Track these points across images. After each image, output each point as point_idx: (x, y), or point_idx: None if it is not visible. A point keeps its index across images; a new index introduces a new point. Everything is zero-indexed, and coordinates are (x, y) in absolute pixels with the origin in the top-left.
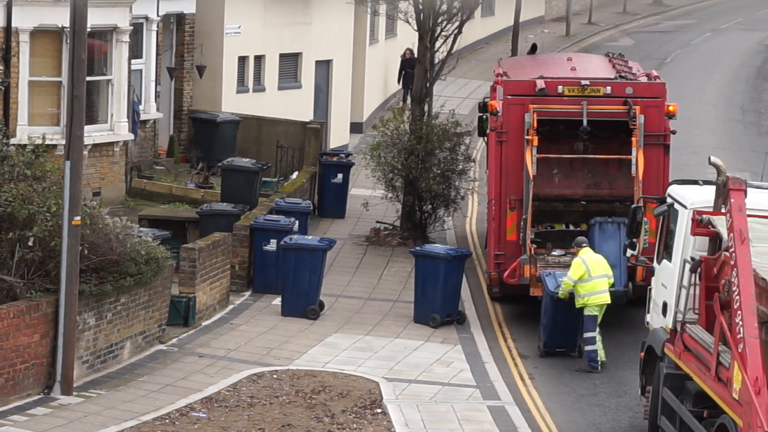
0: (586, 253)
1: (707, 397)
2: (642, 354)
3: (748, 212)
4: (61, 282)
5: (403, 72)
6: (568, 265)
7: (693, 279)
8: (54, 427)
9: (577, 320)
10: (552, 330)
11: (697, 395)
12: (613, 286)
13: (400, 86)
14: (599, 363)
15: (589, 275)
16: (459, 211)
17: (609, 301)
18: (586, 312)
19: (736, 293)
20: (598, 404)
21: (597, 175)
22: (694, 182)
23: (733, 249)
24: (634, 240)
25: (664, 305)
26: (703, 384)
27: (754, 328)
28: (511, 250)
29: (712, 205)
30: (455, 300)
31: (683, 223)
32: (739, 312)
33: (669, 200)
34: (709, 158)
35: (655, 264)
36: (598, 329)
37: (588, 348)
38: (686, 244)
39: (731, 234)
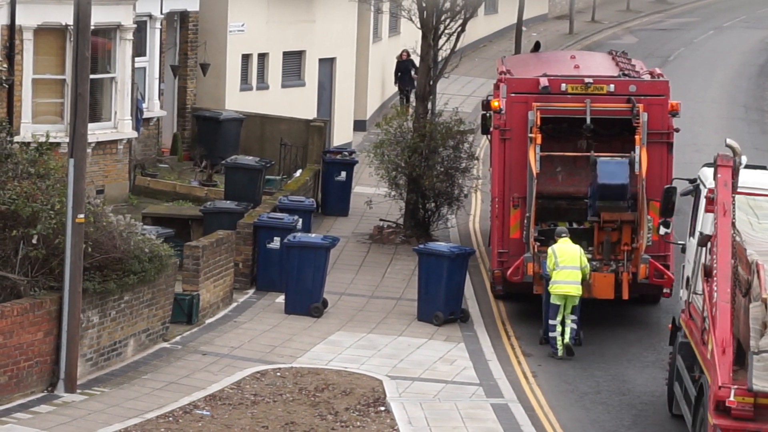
0: (559, 243)
1: None
2: (669, 326)
3: (759, 192)
4: (64, 280)
5: (399, 74)
6: None
7: (703, 253)
8: (57, 425)
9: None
10: (547, 318)
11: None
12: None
13: (397, 88)
14: (558, 350)
15: (555, 265)
16: (462, 209)
17: (573, 293)
18: (551, 300)
19: (714, 261)
20: (601, 402)
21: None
22: None
23: (716, 220)
24: (668, 219)
25: (687, 279)
26: (695, 347)
27: (726, 293)
28: (515, 248)
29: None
30: (458, 298)
31: (702, 202)
32: (715, 278)
33: (697, 181)
34: (726, 140)
35: (686, 241)
36: (561, 320)
37: (549, 334)
38: (704, 222)
39: (715, 206)
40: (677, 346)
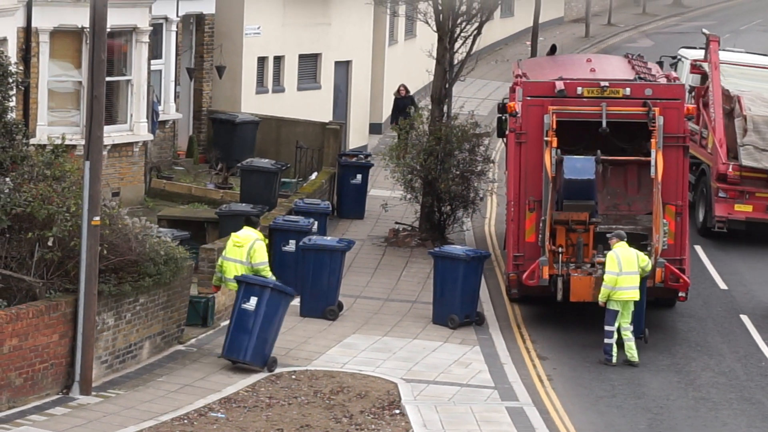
0: (619, 248)
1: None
2: None
3: (744, 64)
4: (80, 282)
5: (396, 112)
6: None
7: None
8: (73, 427)
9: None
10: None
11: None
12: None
13: (392, 127)
14: (612, 357)
15: (619, 269)
16: (478, 212)
17: (636, 298)
18: (608, 305)
19: (711, 97)
20: (616, 406)
21: (618, 175)
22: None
23: (711, 73)
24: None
25: None
26: (697, 154)
27: (720, 112)
28: (530, 252)
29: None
30: (474, 301)
31: (687, 69)
32: (712, 106)
33: (678, 57)
34: (702, 29)
35: None
36: (625, 326)
37: (605, 341)
38: (691, 80)
39: (710, 64)
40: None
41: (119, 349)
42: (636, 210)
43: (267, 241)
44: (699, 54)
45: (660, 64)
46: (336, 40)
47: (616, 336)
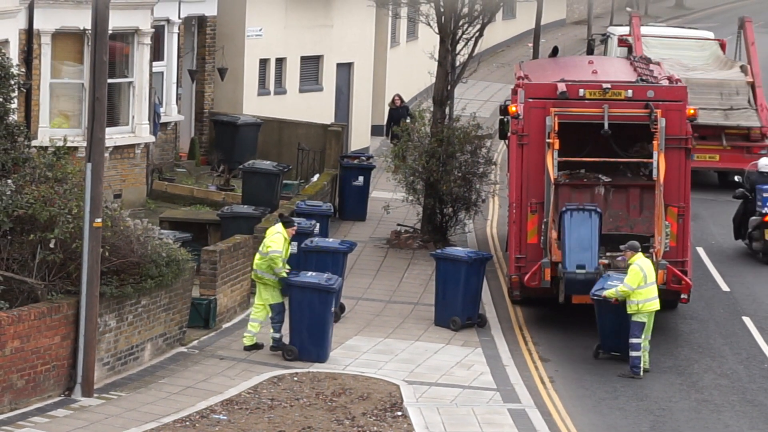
0: (640, 259)
1: None
2: None
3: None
4: (82, 284)
5: (392, 124)
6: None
7: None
8: (74, 429)
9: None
10: (603, 332)
11: None
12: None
13: (388, 140)
14: (641, 370)
15: (645, 281)
16: (480, 214)
17: (659, 308)
18: (635, 318)
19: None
20: (618, 408)
21: (620, 198)
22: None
23: (635, 43)
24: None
25: None
26: None
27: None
28: (532, 253)
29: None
30: (476, 303)
31: (615, 43)
32: None
33: (607, 34)
34: (626, 8)
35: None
36: (644, 336)
37: (633, 354)
38: (619, 52)
39: (633, 36)
40: None
41: (121, 351)
42: (638, 232)
43: (289, 239)
44: (625, 30)
45: (591, 41)
46: (338, 42)
47: (643, 348)
